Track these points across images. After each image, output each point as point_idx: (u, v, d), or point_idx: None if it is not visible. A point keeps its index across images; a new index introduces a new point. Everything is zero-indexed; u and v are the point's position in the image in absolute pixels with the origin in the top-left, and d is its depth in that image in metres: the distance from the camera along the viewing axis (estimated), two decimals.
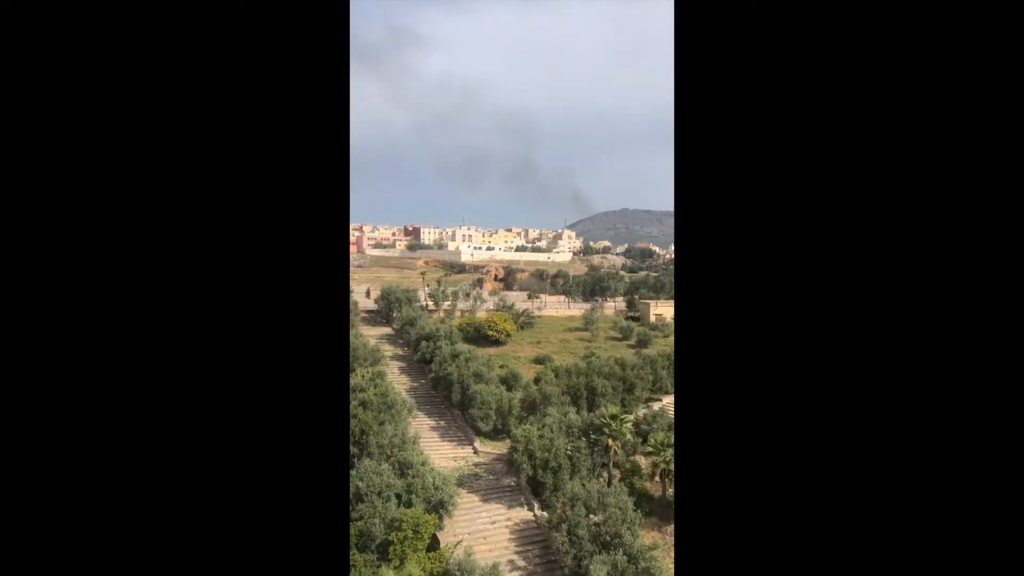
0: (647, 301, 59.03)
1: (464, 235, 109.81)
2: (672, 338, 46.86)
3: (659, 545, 19.15)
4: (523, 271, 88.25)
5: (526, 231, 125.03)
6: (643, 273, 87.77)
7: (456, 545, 18.95)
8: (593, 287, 74.01)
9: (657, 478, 24.25)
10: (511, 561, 19.64)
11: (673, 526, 22.56)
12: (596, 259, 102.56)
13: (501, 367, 35.97)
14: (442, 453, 26.57)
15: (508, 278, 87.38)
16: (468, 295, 57.10)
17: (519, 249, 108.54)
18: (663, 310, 56.32)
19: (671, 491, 23.78)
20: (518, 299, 62.35)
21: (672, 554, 20.72)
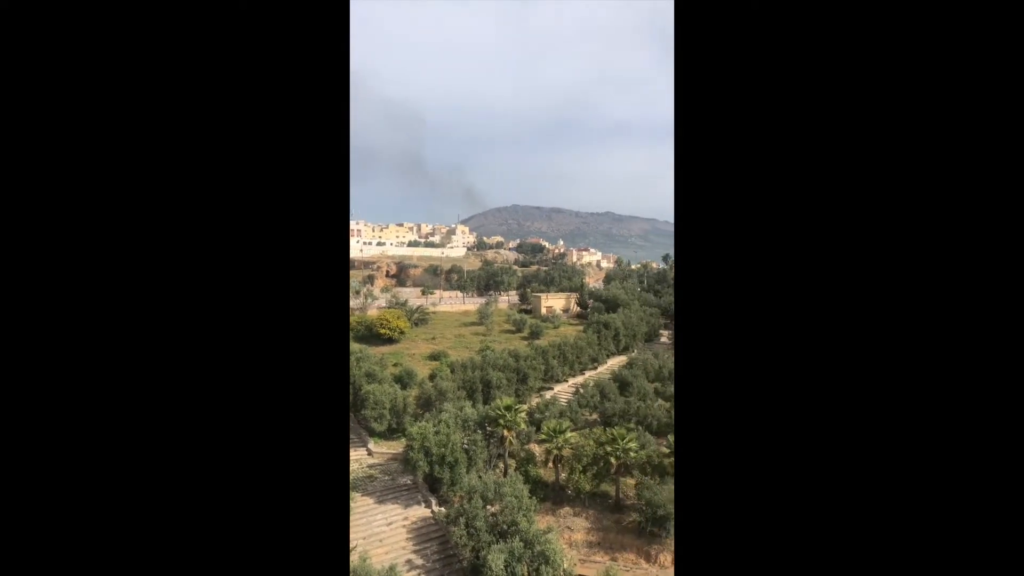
0: (538, 294, 60.95)
1: (353, 230, 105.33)
2: (562, 329, 48.96)
3: (553, 528, 19.98)
4: (416, 267, 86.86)
5: (419, 226, 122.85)
6: (534, 267, 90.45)
7: (350, 551, 18.29)
8: (487, 282, 74.88)
9: (550, 464, 25.25)
10: (409, 561, 19.39)
11: (566, 508, 23.71)
12: (490, 254, 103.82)
13: (395, 365, 35.20)
14: None
15: (401, 274, 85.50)
16: (358, 292, 55.03)
17: (412, 244, 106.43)
18: (553, 302, 58.56)
19: (564, 475, 24.92)
20: (412, 295, 61.31)
21: (565, 535, 21.77)
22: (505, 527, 18.77)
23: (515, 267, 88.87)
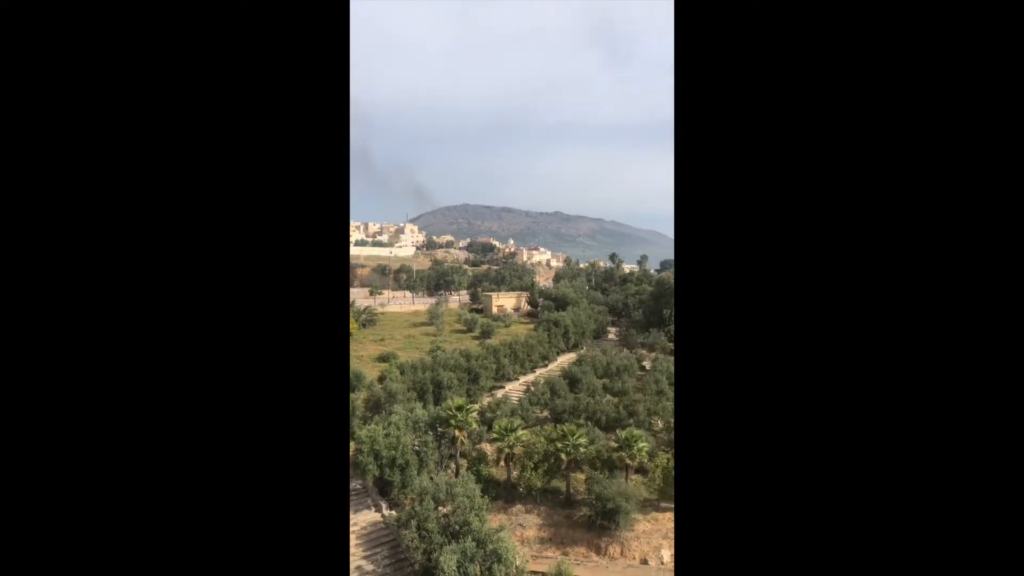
0: (489, 293, 61.00)
1: None
2: (513, 327, 49.21)
3: (505, 526, 20.08)
4: (364, 266, 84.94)
5: (366, 225, 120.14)
6: (485, 266, 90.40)
7: None
8: (437, 281, 74.20)
9: (502, 463, 25.34)
10: (359, 567, 18.97)
11: (518, 506, 23.86)
12: (440, 253, 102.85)
13: None
14: None
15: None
16: None
17: (359, 243, 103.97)
18: (504, 301, 58.77)
19: (515, 473, 25.07)
20: (359, 296, 59.98)
21: (518, 532, 21.91)
22: (457, 527, 18.68)
23: (465, 266, 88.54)
